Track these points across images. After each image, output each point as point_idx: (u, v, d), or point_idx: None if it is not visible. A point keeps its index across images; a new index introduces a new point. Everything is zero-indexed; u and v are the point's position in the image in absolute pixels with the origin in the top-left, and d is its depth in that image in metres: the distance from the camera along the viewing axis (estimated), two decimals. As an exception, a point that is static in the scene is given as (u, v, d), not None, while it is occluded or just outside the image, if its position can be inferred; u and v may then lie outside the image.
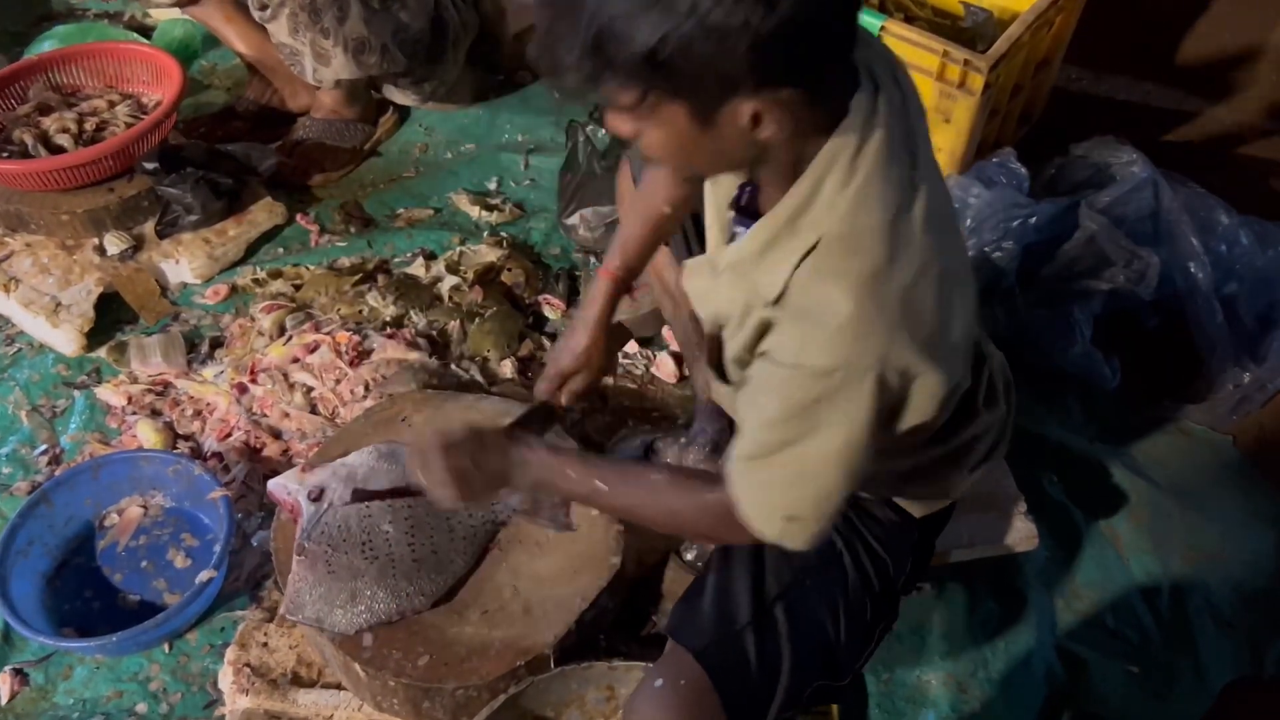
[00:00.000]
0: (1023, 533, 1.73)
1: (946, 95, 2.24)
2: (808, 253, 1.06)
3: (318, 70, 2.30)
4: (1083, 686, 1.73)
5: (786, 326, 1.08)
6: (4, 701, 1.66)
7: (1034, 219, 2.17)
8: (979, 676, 1.71)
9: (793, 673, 1.29)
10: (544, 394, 1.54)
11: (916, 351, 1.05)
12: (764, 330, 1.12)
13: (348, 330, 2.02)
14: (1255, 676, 1.78)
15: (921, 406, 1.11)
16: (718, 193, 1.25)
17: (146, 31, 2.82)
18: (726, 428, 1.80)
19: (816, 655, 1.32)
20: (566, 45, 0.94)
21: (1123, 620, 1.82)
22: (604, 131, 2.34)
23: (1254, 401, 2.13)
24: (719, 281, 1.21)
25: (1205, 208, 2.27)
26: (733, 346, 1.22)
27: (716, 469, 1.24)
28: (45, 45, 2.66)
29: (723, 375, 1.32)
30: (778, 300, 1.09)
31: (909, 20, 2.50)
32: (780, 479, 1.12)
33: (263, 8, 2.25)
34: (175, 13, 2.63)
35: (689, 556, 1.73)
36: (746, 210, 1.21)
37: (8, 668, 1.69)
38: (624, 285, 1.54)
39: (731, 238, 1.22)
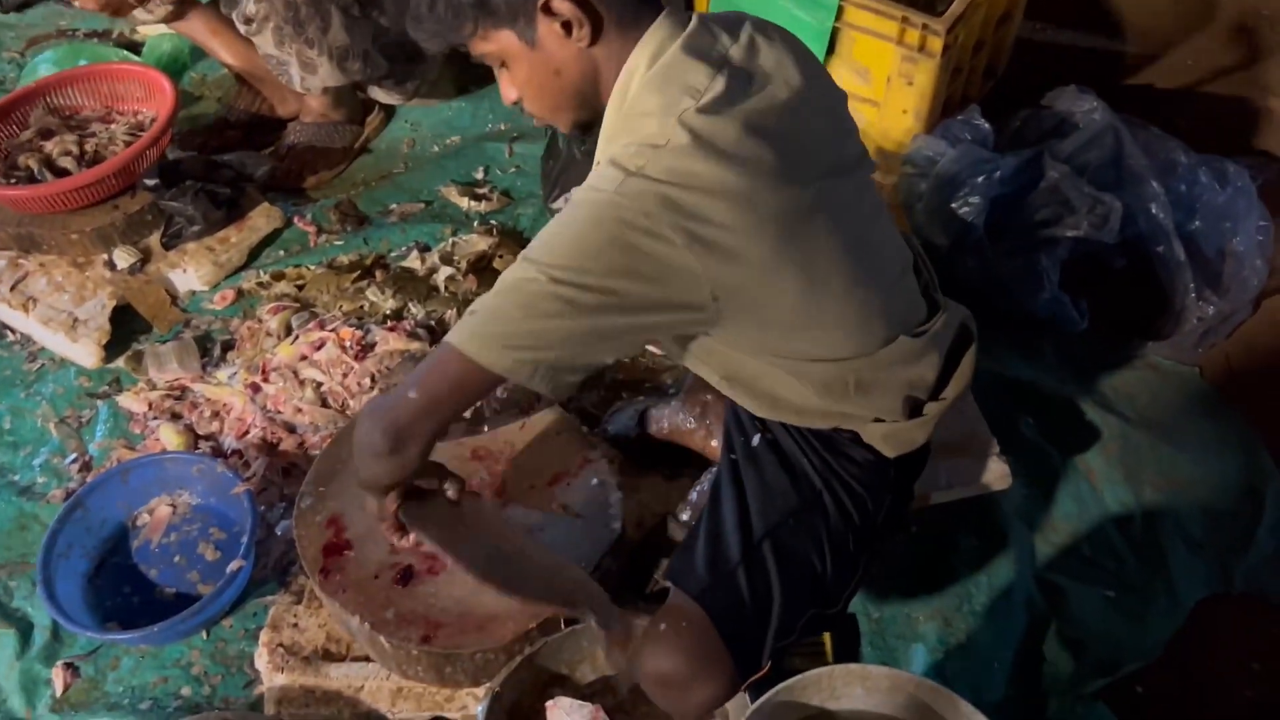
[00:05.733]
0: (997, 473, 1.83)
1: (908, 59, 2.32)
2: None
3: (305, 79, 2.39)
4: (1062, 613, 1.83)
5: None
6: (59, 694, 1.78)
7: (999, 172, 2.25)
8: (963, 610, 1.82)
9: (784, 604, 1.39)
10: None
11: (660, 200, 1.15)
12: None
13: (350, 326, 2.13)
14: (1225, 593, 1.89)
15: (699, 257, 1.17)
16: None
17: (135, 48, 2.91)
18: (714, 389, 1.90)
19: (805, 587, 1.42)
20: (422, 11, 1.22)
21: (1098, 549, 1.92)
22: (582, 117, 2.43)
23: (1218, 333, 2.22)
24: None
25: (1165, 150, 2.35)
26: None
27: None
28: (40, 68, 2.75)
29: None
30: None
31: (871, -14, 2.58)
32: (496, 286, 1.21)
33: (248, 22, 2.33)
34: (162, 28, 2.72)
35: (684, 517, 1.83)
36: None
37: (59, 662, 1.81)
38: None
39: None
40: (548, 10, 1.19)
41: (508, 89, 1.29)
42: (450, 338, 1.23)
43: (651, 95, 1.21)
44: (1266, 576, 1.90)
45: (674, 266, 1.17)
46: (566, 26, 1.20)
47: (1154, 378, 2.19)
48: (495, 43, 1.23)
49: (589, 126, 1.32)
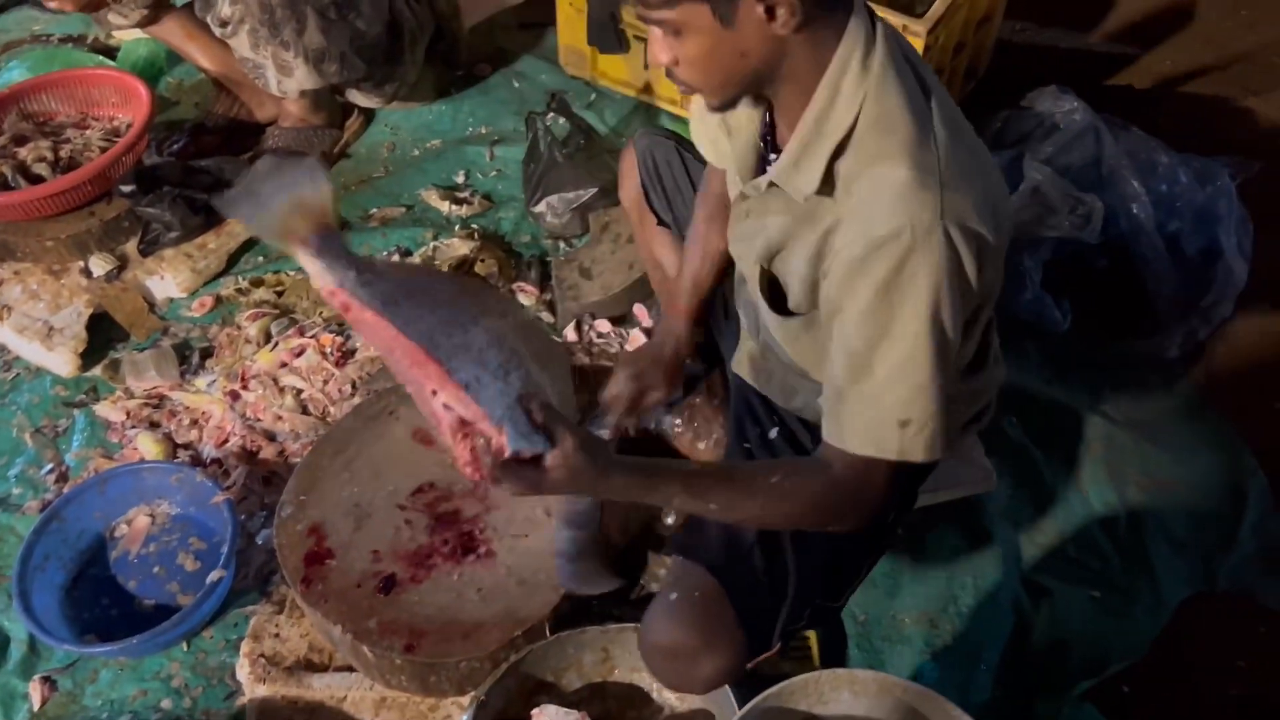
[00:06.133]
0: (981, 474, 1.83)
1: (889, 60, 2.31)
2: (839, 146, 1.19)
3: (281, 82, 2.38)
4: (1048, 613, 1.83)
5: (848, 219, 1.18)
6: (36, 708, 1.75)
7: (980, 174, 2.25)
8: (949, 612, 1.82)
9: (798, 587, 1.38)
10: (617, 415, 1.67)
11: (971, 206, 1.15)
12: (828, 234, 1.21)
13: (331, 332, 2.11)
14: (1209, 592, 1.89)
15: (984, 274, 1.19)
16: (741, 137, 1.36)
17: (111, 53, 2.88)
18: (704, 391, 1.90)
19: (818, 573, 1.41)
20: None
21: (1083, 549, 1.92)
22: (562, 121, 2.42)
23: (1200, 333, 2.22)
24: (763, 209, 1.31)
25: (1146, 150, 2.36)
26: (797, 265, 1.28)
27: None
28: (14, 73, 2.72)
29: (780, 309, 1.37)
30: (822, 191, 1.20)
31: (850, -12, 2.58)
32: (879, 385, 1.17)
33: (223, 24, 2.31)
34: (137, 33, 2.68)
35: (670, 520, 1.82)
36: (771, 147, 1.33)
37: (37, 676, 1.78)
38: (699, 317, 1.70)
39: (762, 172, 1.32)
40: (770, 11, 1.12)
41: (663, 53, 1.19)
42: (892, 451, 1.19)
43: (891, 83, 1.18)
44: (1250, 575, 1.90)
45: (983, 275, 1.18)
46: (770, 11, 1.12)
47: (1137, 378, 2.19)
48: (684, 14, 1.13)
49: (736, 104, 1.28)
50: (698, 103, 1.47)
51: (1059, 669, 1.77)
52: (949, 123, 1.20)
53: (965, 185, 1.16)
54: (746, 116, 1.35)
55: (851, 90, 1.18)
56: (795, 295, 1.33)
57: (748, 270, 1.40)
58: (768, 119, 1.33)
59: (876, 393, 1.18)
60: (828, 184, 1.21)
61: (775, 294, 1.36)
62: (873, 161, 1.17)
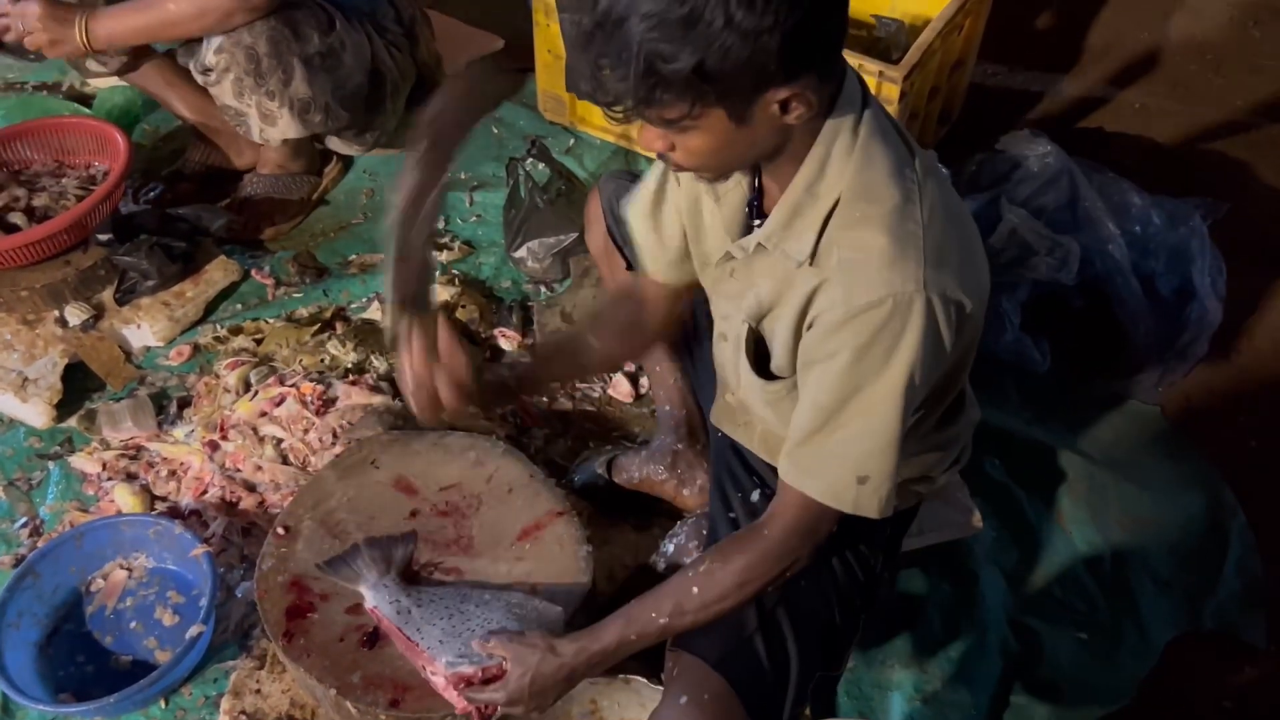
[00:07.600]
0: (968, 517, 1.83)
1: (865, 106, 2.34)
2: (830, 213, 1.20)
3: (264, 130, 2.36)
4: (1036, 656, 1.83)
5: (832, 283, 1.20)
6: (8, 770, 1.71)
7: (958, 217, 2.28)
8: (939, 657, 1.81)
9: (801, 669, 1.37)
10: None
11: (951, 276, 1.17)
12: (811, 296, 1.23)
13: (311, 380, 2.09)
14: (1195, 632, 1.90)
15: (961, 338, 1.23)
16: (728, 201, 1.36)
17: (86, 100, 2.86)
18: (685, 437, 1.89)
19: (818, 650, 1.40)
20: (618, 75, 1.06)
21: (1069, 590, 1.93)
22: (542, 166, 2.43)
23: (1177, 372, 2.25)
24: (750, 270, 1.32)
25: (1119, 192, 2.39)
26: (782, 329, 1.29)
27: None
28: (-11, 122, 2.70)
29: (763, 373, 1.38)
30: (812, 260, 1.22)
31: (825, 35, 2.61)
32: (845, 439, 1.21)
33: (206, 72, 2.30)
34: (114, 80, 2.68)
35: (662, 568, 1.81)
36: (758, 212, 1.33)
37: (9, 738, 1.75)
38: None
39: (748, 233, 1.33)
40: (784, 106, 1.11)
41: (658, 140, 1.17)
42: (850, 506, 1.24)
43: (878, 152, 1.19)
44: (1235, 613, 1.91)
45: (960, 340, 1.23)
46: (783, 105, 1.11)
47: (1116, 417, 2.21)
48: (699, 123, 1.11)
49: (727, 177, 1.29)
50: (642, 198, 1.48)
51: (1049, 713, 1.76)
52: (933, 188, 1.21)
53: (947, 255, 1.18)
54: (733, 180, 1.35)
55: (841, 158, 1.19)
56: (778, 357, 1.34)
57: (731, 329, 1.40)
58: (756, 184, 1.32)
59: (841, 446, 1.21)
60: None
61: (760, 354, 1.37)
62: (855, 226, 1.19)
